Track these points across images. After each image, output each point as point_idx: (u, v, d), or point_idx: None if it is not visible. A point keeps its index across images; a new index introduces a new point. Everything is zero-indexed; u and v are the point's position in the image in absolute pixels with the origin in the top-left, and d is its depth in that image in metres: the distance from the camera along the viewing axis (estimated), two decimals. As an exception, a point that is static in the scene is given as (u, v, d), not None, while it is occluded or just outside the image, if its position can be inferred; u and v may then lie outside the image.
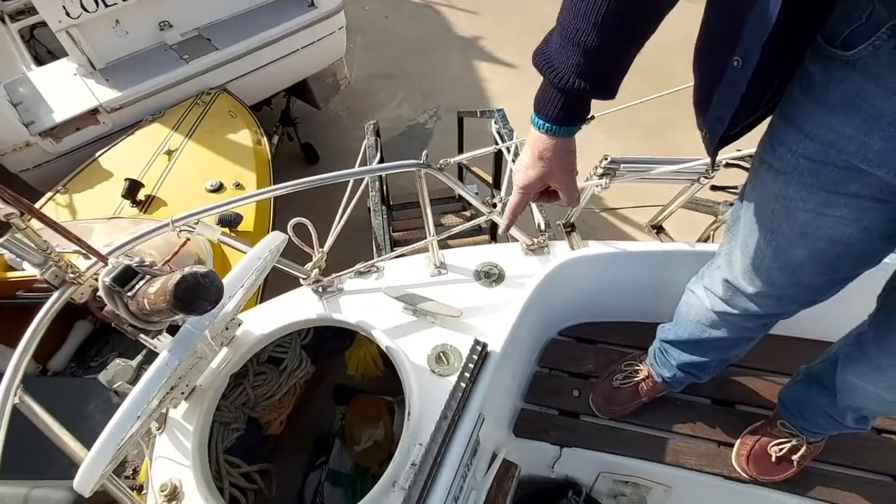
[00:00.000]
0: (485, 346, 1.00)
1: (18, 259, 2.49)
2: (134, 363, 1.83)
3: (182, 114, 3.11)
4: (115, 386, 1.87)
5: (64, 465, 1.68)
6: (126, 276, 0.50)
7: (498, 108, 2.15)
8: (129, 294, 0.47)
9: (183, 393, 1.11)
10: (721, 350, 1.02)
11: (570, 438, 1.20)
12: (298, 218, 1.24)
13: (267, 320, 1.25)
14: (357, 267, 1.33)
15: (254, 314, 1.28)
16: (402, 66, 5.05)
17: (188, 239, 1.00)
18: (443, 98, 4.85)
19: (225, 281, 0.78)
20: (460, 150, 3.31)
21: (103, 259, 0.80)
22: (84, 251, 0.78)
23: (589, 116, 0.71)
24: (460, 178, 3.22)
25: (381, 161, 2.11)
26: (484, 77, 5.00)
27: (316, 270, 1.28)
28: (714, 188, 1.40)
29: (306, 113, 4.29)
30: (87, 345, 2.50)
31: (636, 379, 1.21)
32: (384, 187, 2.26)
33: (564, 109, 0.67)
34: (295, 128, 4.04)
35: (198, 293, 0.38)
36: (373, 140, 2.06)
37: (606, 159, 1.07)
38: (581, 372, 1.32)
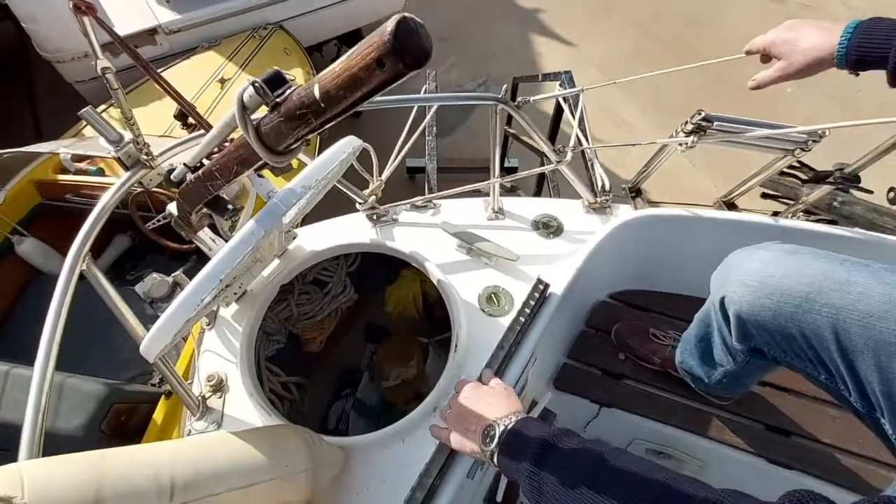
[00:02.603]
0: (547, 286, 0.98)
1: (73, 162, 2.52)
2: (170, 279, 1.87)
3: (238, 45, 3.10)
4: (150, 298, 1.91)
5: (95, 365, 1.74)
6: (278, 81, 0.45)
7: (565, 70, 2.07)
8: (280, 97, 0.45)
9: (235, 294, 1.12)
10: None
11: (611, 399, 1.18)
12: (361, 143, 1.22)
13: (320, 239, 1.24)
14: (414, 200, 1.31)
15: (307, 231, 1.28)
16: (456, 29, 4.93)
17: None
18: (494, 68, 4.71)
19: (301, 175, 0.77)
20: (509, 121, 3.23)
21: (206, 125, 0.79)
22: (190, 114, 0.77)
23: None
24: (504, 149, 3.14)
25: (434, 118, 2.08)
26: (539, 52, 4.85)
27: (373, 197, 1.27)
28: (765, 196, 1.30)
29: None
30: (125, 259, 2.57)
31: (666, 343, 1.18)
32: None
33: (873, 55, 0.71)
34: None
35: (418, 36, 0.35)
36: (433, 87, 2.02)
37: (700, 114, 1.01)
38: (628, 337, 1.29)
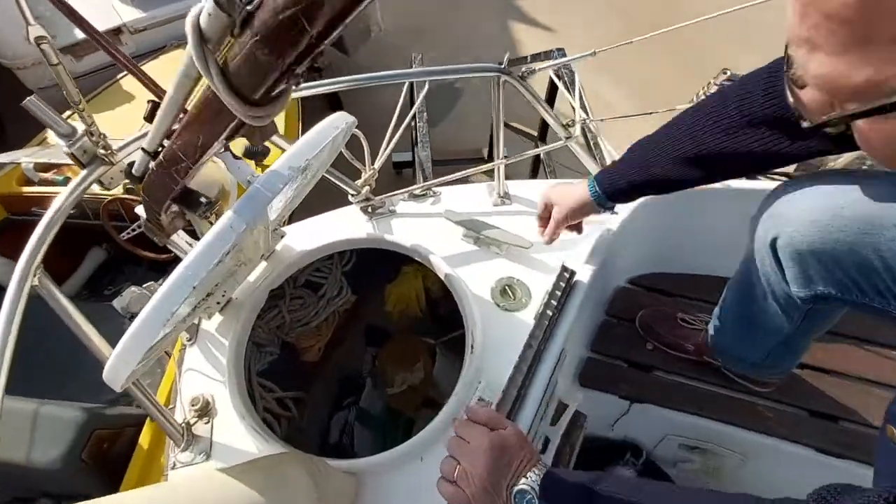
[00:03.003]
0: (573, 273, 0.87)
1: (37, 172, 2.33)
2: (150, 291, 1.72)
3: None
4: (129, 313, 1.76)
5: (73, 390, 1.60)
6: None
7: (558, 48, 1.97)
8: (252, 3, 0.32)
9: (219, 303, 0.99)
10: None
11: (641, 393, 1.08)
12: (353, 119, 1.10)
13: (311, 237, 1.12)
14: (412, 188, 1.19)
15: (296, 229, 1.15)
16: (433, 21, 4.80)
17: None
18: (475, 57, 4.61)
19: (287, 154, 0.64)
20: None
21: (159, 93, 0.66)
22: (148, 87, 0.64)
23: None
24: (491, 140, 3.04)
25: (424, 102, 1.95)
26: (519, 39, 4.75)
27: (367, 188, 1.15)
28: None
29: (332, 61, 4.10)
30: (101, 273, 2.41)
31: (696, 327, 1.09)
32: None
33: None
34: (320, 75, 3.86)
35: None
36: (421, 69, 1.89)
37: (725, 73, 0.91)
38: (653, 325, 1.19)
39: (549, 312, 0.81)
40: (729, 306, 0.97)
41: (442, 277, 1.06)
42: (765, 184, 1.09)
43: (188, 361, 0.98)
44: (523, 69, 1.05)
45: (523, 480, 0.62)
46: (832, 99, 0.43)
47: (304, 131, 2.46)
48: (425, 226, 1.15)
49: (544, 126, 2.26)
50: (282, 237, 1.07)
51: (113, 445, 1.47)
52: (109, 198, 2.04)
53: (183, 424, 0.90)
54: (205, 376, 0.96)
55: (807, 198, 0.71)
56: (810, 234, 0.69)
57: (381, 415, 1.41)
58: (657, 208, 1.11)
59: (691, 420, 1.08)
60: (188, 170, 0.53)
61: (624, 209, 1.09)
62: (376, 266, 1.31)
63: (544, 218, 0.97)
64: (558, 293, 0.83)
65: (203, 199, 0.65)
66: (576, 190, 0.89)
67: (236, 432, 0.88)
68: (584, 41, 4.34)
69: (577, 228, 0.97)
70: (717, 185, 1.07)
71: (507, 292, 1.02)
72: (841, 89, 0.41)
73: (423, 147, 1.65)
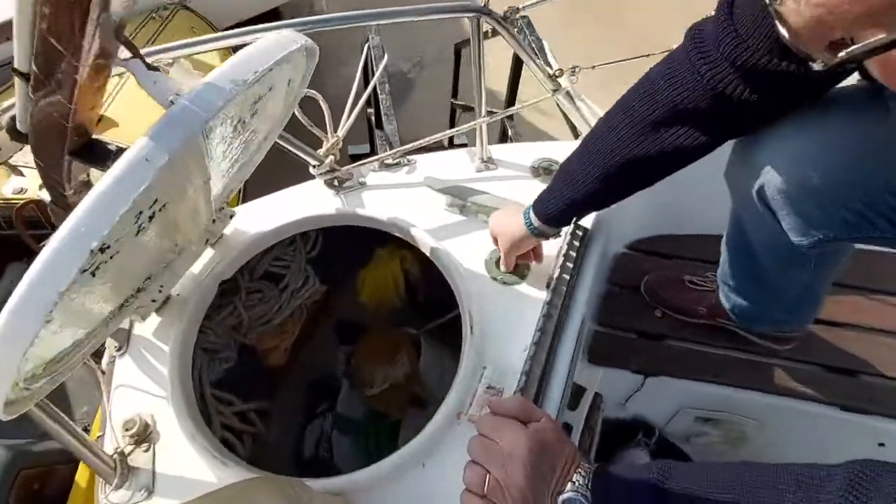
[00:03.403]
0: (586, 231, 0.75)
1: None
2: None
3: (136, 29, 2.63)
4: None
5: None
6: None
7: (522, 15, 1.85)
8: None
9: (154, 301, 0.80)
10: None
11: (655, 365, 0.98)
12: (306, 90, 0.93)
13: (266, 217, 0.94)
14: (383, 156, 1.03)
15: (248, 209, 0.97)
16: (383, 5, 4.62)
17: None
18: (427, 47, 4.47)
19: (228, 65, 0.47)
20: (455, 90, 2.98)
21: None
22: None
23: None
24: (452, 122, 2.90)
25: (387, 71, 1.78)
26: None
27: (331, 157, 0.98)
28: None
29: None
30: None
31: (707, 288, 1.00)
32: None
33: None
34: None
35: None
36: (377, 40, 1.72)
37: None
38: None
39: (566, 276, 0.68)
40: (732, 267, 0.88)
41: (427, 252, 0.92)
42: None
43: (119, 376, 0.79)
44: (507, 9, 0.92)
45: (569, 487, 0.49)
46: (841, 29, 0.35)
47: None
48: (402, 197, 1.00)
49: (513, 90, 2.13)
50: (230, 217, 0.89)
51: (45, 486, 1.23)
52: (23, 201, 1.76)
53: (115, 455, 0.71)
54: (141, 392, 0.77)
55: (787, 134, 0.61)
56: (799, 175, 0.60)
57: (362, 419, 1.25)
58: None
59: (707, 389, 0.99)
60: (73, 75, 0.35)
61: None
62: (347, 250, 1.14)
63: (497, 245, 0.87)
64: (573, 254, 0.70)
65: (113, 147, 0.47)
66: (513, 223, 0.81)
67: (186, 458, 0.70)
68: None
69: (531, 257, 0.84)
70: None
71: (504, 263, 0.89)
72: (859, 15, 0.33)
73: (388, 121, 1.50)
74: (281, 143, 0.90)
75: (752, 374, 0.98)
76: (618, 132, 0.67)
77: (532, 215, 0.80)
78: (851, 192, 0.58)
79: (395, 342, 1.26)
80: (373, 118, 1.98)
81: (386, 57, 1.64)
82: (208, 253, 0.90)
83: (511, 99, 2.06)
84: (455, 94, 2.74)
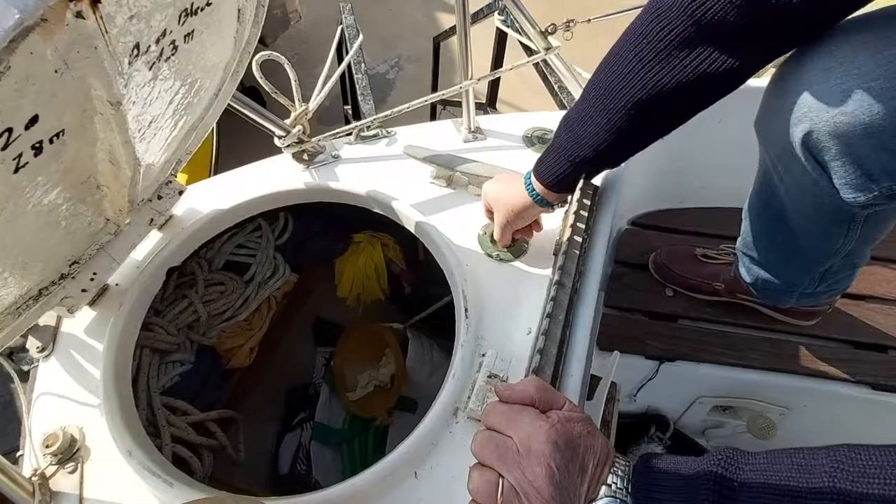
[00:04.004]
0: (597, 188, 0.64)
1: None
2: None
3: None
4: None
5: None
6: None
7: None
8: None
9: (85, 291, 0.66)
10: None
11: (671, 349, 0.88)
12: (268, 52, 0.82)
13: (226, 195, 0.82)
14: (359, 124, 0.92)
15: (203, 188, 0.84)
16: (358, 12, 4.54)
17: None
18: (405, 47, 4.40)
19: None
20: (434, 84, 2.89)
21: None
22: None
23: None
24: (433, 118, 2.81)
25: (361, 50, 1.67)
26: (447, 26, 4.62)
27: (299, 127, 0.86)
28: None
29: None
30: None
31: (722, 261, 0.91)
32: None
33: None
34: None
35: None
36: (351, 20, 1.62)
37: None
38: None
39: (578, 238, 0.57)
40: (757, 236, 0.79)
41: (411, 228, 0.80)
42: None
43: (42, 383, 0.65)
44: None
45: (604, 491, 0.38)
46: None
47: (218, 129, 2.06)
48: (381, 171, 0.89)
49: (497, 65, 2.05)
50: (180, 194, 0.76)
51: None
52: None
53: (34, 478, 0.57)
54: (69, 401, 0.63)
55: (839, 62, 0.50)
56: (861, 112, 0.49)
57: (344, 428, 1.12)
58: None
59: (727, 374, 0.89)
60: None
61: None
62: (321, 235, 1.02)
63: (491, 218, 0.76)
64: (584, 213, 0.59)
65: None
66: (511, 191, 0.71)
67: (121, 479, 0.56)
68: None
69: (530, 231, 0.75)
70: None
71: (499, 238, 0.78)
72: None
73: (364, 100, 1.39)
74: (238, 106, 0.78)
75: (777, 354, 0.89)
76: (626, 66, 0.57)
77: (533, 180, 0.69)
78: None
79: (378, 340, 1.14)
80: (349, 107, 1.87)
81: (361, 36, 1.52)
82: (156, 237, 0.77)
83: (494, 82, 1.97)
84: (435, 90, 2.66)
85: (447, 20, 4.63)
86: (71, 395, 0.64)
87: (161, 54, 0.43)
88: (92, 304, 0.69)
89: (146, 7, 0.35)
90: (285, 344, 1.11)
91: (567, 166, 0.65)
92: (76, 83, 0.33)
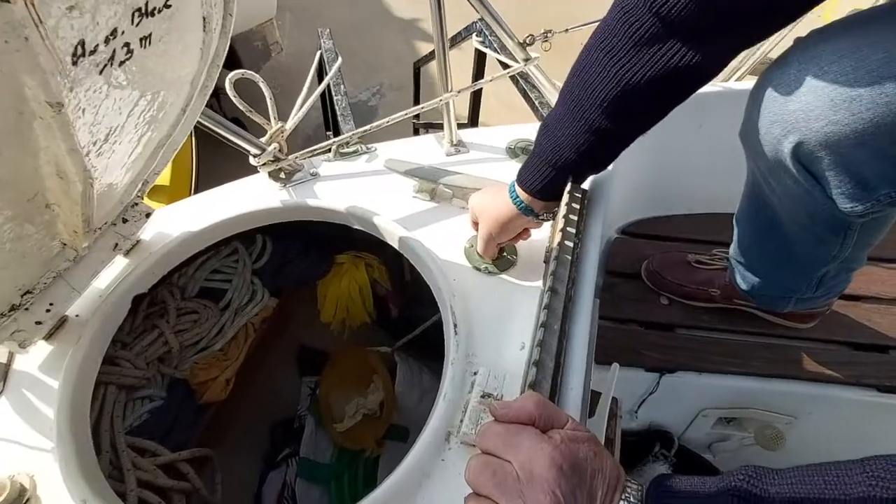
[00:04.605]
0: (585, 192, 0.62)
1: None
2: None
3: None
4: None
5: None
6: None
7: (480, 18, 1.80)
8: None
9: (40, 324, 0.61)
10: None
11: (671, 360, 0.84)
12: (241, 70, 0.80)
13: (195, 218, 0.78)
14: (337, 140, 0.89)
15: (173, 211, 0.80)
16: (339, 43, 4.62)
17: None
18: (386, 76, 4.49)
19: None
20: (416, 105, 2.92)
21: None
22: None
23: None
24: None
25: (341, 73, 1.66)
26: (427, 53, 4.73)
27: (275, 145, 0.83)
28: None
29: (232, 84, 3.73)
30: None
31: (716, 266, 0.89)
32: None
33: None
34: (219, 100, 3.45)
35: None
36: (330, 44, 1.62)
37: None
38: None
39: (569, 243, 0.54)
40: (749, 244, 0.77)
41: (394, 244, 0.77)
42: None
43: (-11, 427, 0.59)
44: (465, -35, 0.81)
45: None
46: None
47: (198, 161, 2.03)
48: (362, 187, 0.86)
49: (476, 97, 2.07)
50: (147, 216, 0.72)
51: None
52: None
53: (-26, 539, 0.50)
54: (20, 446, 0.57)
55: (824, 69, 0.49)
56: (852, 121, 0.48)
57: (331, 462, 1.05)
58: (638, 139, 0.91)
59: (729, 383, 0.86)
60: None
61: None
62: (301, 258, 0.97)
63: (478, 230, 0.73)
64: (574, 217, 0.57)
65: None
66: (497, 201, 0.69)
67: (75, 533, 0.50)
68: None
69: (517, 238, 0.72)
70: (726, 85, 0.90)
71: (487, 251, 0.75)
72: None
73: (345, 121, 1.37)
74: (208, 124, 0.75)
75: (778, 360, 0.86)
76: (597, 65, 0.56)
77: (518, 188, 0.67)
78: None
79: (365, 365, 1.08)
80: (332, 132, 1.86)
81: (340, 59, 1.53)
82: (120, 262, 0.72)
83: (476, 98, 1.99)
84: (417, 115, 2.67)
85: (427, 48, 4.73)
86: (22, 439, 0.58)
87: (113, 57, 0.40)
88: (48, 337, 0.64)
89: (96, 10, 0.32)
90: (266, 374, 1.05)
91: (549, 171, 0.63)
92: (5, 79, 0.29)
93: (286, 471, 1.05)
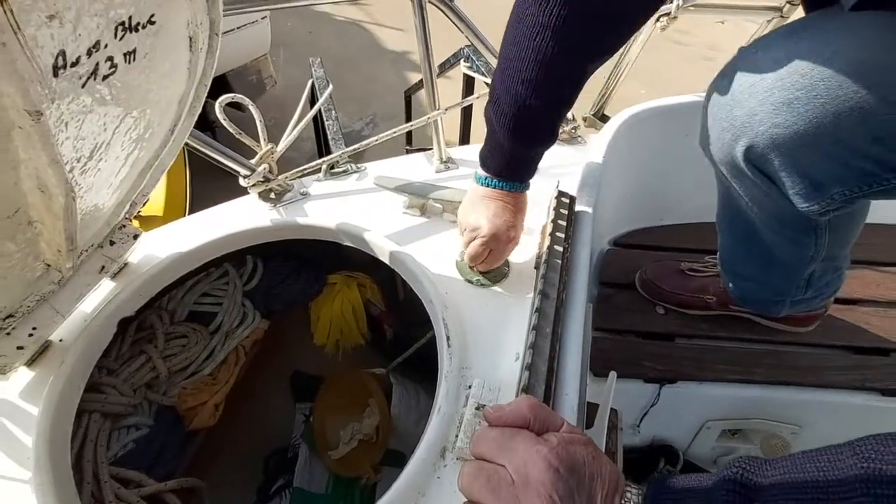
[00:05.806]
0: (572, 198, 0.62)
1: None
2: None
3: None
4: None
5: None
6: None
7: (468, 45, 1.85)
8: None
9: (22, 349, 0.59)
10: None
11: (671, 370, 0.82)
12: (231, 94, 0.81)
13: (184, 240, 0.77)
14: (327, 159, 0.90)
15: (162, 233, 0.80)
16: (332, 75, 4.74)
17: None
18: (378, 106, 4.59)
19: None
20: (409, 138, 2.97)
21: None
22: None
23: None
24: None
25: (332, 99, 1.69)
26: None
27: (265, 166, 0.84)
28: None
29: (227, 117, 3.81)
30: None
31: (709, 273, 0.88)
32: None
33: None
34: (214, 133, 3.51)
35: None
36: (321, 72, 1.65)
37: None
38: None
39: (559, 248, 0.54)
40: (733, 250, 0.77)
41: (385, 259, 0.76)
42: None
43: (-35, 459, 0.56)
44: (447, -12, 0.84)
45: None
46: None
47: (192, 192, 2.05)
48: (352, 205, 0.86)
49: (466, 122, 2.10)
50: (135, 238, 0.71)
51: None
52: None
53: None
54: (-4, 478, 0.54)
55: (763, 76, 0.51)
56: (794, 121, 0.49)
57: (327, 492, 1.01)
58: (626, 149, 0.93)
59: (732, 392, 0.84)
60: None
61: (582, 157, 0.88)
62: (293, 279, 0.96)
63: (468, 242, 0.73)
64: (562, 223, 0.56)
65: None
66: (471, 195, 0.71)
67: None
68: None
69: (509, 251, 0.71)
70: (693, 100, 0.91)
71: (479, 263, 0.74)
72: None
73: (336, 145, 1.39)
74: (197, 145, 0.75)
75: (780, 366, 0.85)
76: (524, 20, 0.55)
77: (481, 172, 0.68)
78: (866, 124, 0.46)
79: (360, 388, 1.06)
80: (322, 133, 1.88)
81: (330, 87, 1.56)
82: (107, 285, 0.71)
83: (466, 121, 2.02)
84: (409, 142, 2.71)
85: (417, 77, 4.85)
86: (1, 469, 0.55)
87: (96, 70, 0.40)
88: (31, 363, 0.62)
89: (69, 10, 0.32)
90: (258, 399, 1.02)
91: (504, 143, 0.63)
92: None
93: (280, 503, 1.01)
